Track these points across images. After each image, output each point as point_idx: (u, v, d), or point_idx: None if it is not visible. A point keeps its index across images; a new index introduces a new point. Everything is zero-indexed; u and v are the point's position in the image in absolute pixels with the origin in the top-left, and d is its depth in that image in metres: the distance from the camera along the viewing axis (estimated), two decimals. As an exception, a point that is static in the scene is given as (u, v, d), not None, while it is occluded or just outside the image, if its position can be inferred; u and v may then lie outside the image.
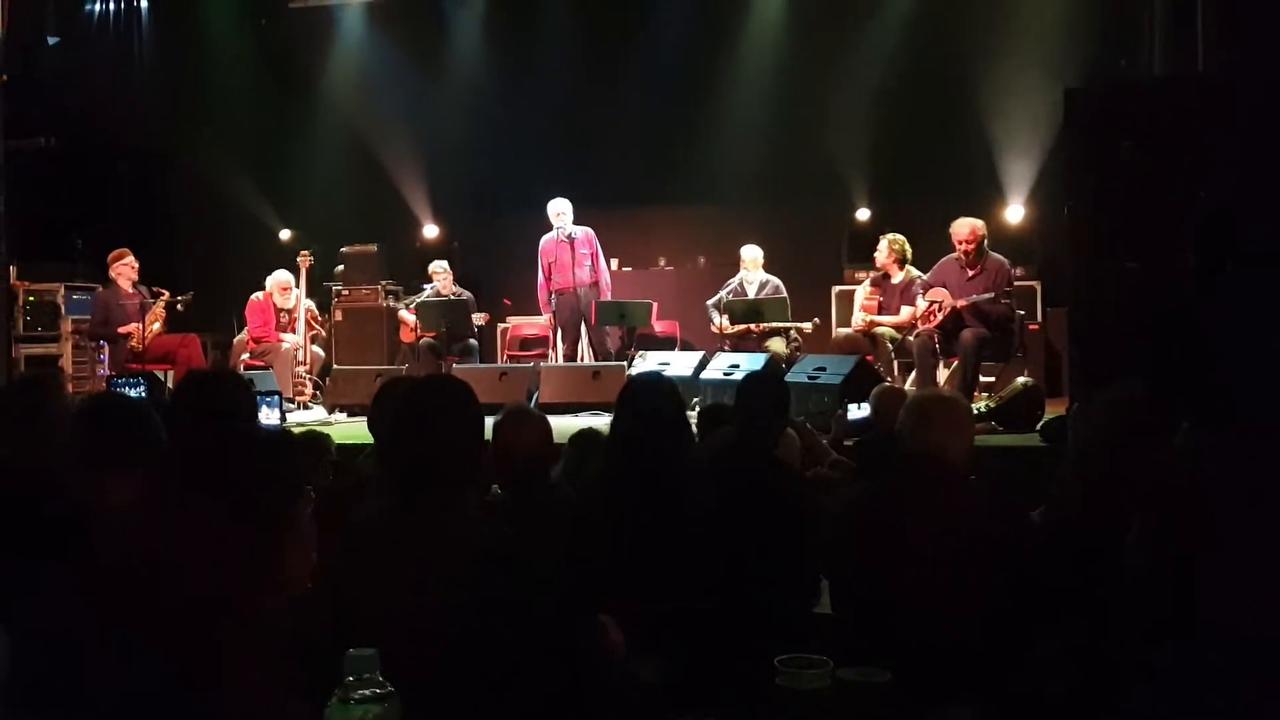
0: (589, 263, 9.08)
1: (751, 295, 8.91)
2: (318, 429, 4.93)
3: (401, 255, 10.98)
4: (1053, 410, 6.47)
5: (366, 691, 1.49)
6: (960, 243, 7.34)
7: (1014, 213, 9.69)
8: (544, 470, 3.29)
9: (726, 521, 2.80)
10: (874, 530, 2.66)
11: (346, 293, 10.23)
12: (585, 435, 3.87)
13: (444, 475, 2.09)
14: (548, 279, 9.09)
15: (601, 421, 5.43)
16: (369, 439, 3.53)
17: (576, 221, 9.16)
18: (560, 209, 9.02)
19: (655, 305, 9.45)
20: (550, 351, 9.66)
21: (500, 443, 3.24)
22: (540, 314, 9.97)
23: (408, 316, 9.55)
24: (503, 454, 3.22)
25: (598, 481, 2.96)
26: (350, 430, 7.09)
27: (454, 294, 9.55)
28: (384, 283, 10.30)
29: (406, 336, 9.66)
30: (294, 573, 1.64)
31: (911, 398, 3.01)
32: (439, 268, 9.62)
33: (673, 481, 2.73)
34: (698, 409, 6.80)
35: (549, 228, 9.16)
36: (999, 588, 2.40)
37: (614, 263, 9.87)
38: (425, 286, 9.64)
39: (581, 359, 9.15)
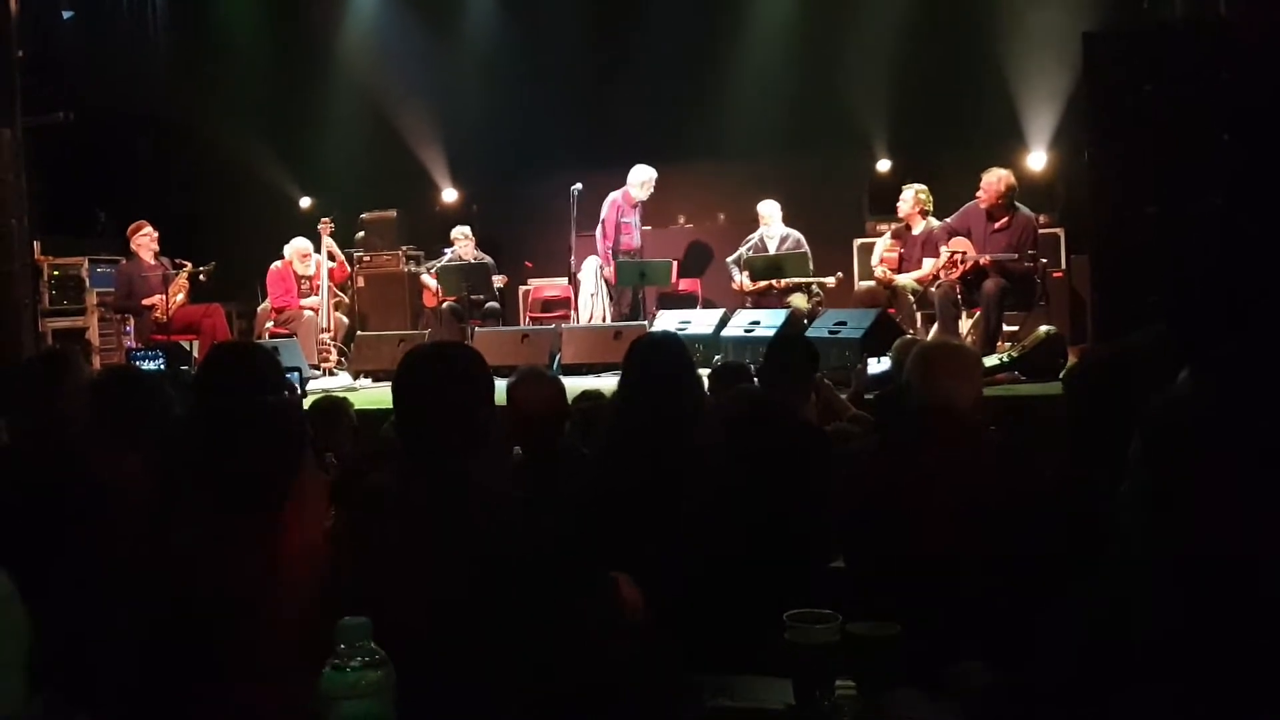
0: (640, 229, 9.37)
1: (772, 251, 8.88)
2: (337, 394, 4.96)
3: (421, 220, 10.98)
4: (1075, 357, 6.43)
5: (360, 659, 1.50)
6: (990, 194, 7.25)
7: (1036, 159, 9.56)
8: (557, 429, 3.33)
9: (740, 480, 2.80)
10: (884, 483, 2.66)
11: (368, 259, 10.27)
12: (589, 396, 3.89)
13: (452, 439, 2.11)
14: (614, 236, 9.16)
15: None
16: (392, 405, 3.57)
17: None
18: (653, 179, 9.17)
19: (675, 264, 9.43)
20: (572, 312, 9.68)
21: (514, 404, 3.27)
22: (562, 277, 9.99)
23: (429, 281, 9.58)
24: (518, 415, 3.25)
25: (603, 443, 2.97)
26: (374, 396, 7.15)
27: (475, 258, 9.57)
28: (404, 248, 10.33)
29: (429, 301, 9.70)
30: (302, 546, 1.66)
31: (916, 348, 2.98)
32: (460, 233, 9.64)
33: (679, 442, 2.73)
34: (716, 366, 6.83)
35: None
36: (1013, 540, 2.40)
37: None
38: (446, 251, 9.66)
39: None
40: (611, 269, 9.24)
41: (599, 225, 9.25)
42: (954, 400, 2.68)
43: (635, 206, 9.30)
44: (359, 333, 9.30)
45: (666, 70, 10.54)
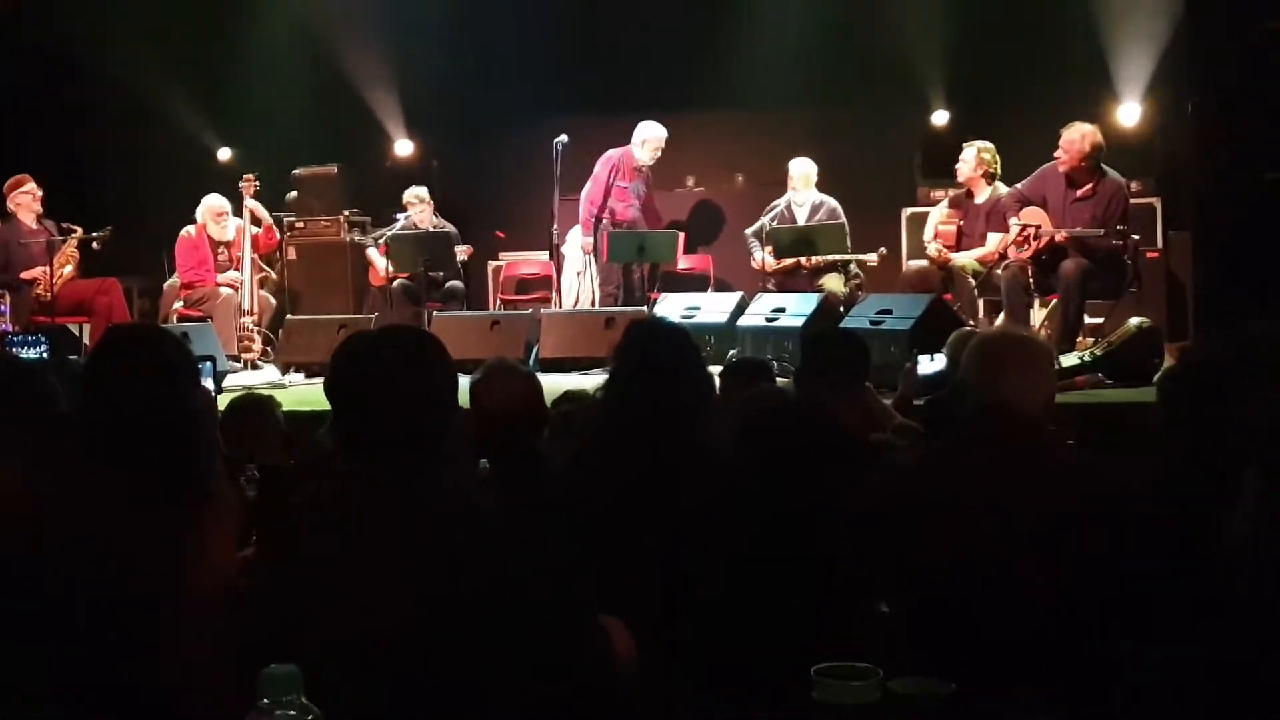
0: (642, 204, 9.40)
1: (801, 221, 8.87)
2: (261, 391, 4.96)
3: (368, 178, 10.97)
4: (1175, 358, 6.44)
5: (287, 714, 1.50)
6: (1071, 155, 7.25)
7: (1127, 112, 9.56)
8: (532, 436, 3.33)
9: (757, 494, 2.79)
10: (931, 504, 2.66)
11: (301, 225, 10.26)
12: (572, 397, 3.89)
13: (403, 444, 2.11)
14: (601, 200, 9.20)
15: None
16: (327, 400, 3.57)
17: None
18: (664, 138, 9.21)
19: (682, 236, 9.42)
20: (554, 295, 9.68)
21: (479, 406, 3.27)
22: (541, 250, 9.98)
23: (377, 254, 9.57)
24: (483, 419, 3.25)
25: (582, 449, 2.97)
26: (307, 394, 7.13)
27: (433, 226, 9.57)
28: (347, 212, 10.31)
29: (376, 279, 9.69)
30: (216, 558, 1.66)
31: (975, 340, 2.99)
32: (415, 195, 9.63)
33: (678, 455, 2.72)
34: (731, 361, 6.82)
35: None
36: (1090, 573, 2.40)
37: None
38: (398, 217, 9.65)
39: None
40: (592, 240, 9.25)
41: (589, 185, 9.26)
42: (1019, 403, 2.68)
43: (638, 172, 9.30)
44: (289, 316, 9.28)
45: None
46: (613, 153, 9.30)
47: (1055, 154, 7.34)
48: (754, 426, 3.10)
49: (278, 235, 9.66)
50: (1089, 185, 7.27)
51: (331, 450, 3.09)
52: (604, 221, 9.26)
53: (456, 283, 9.44)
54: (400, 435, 2.12)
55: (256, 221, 9.30)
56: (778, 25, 10.25)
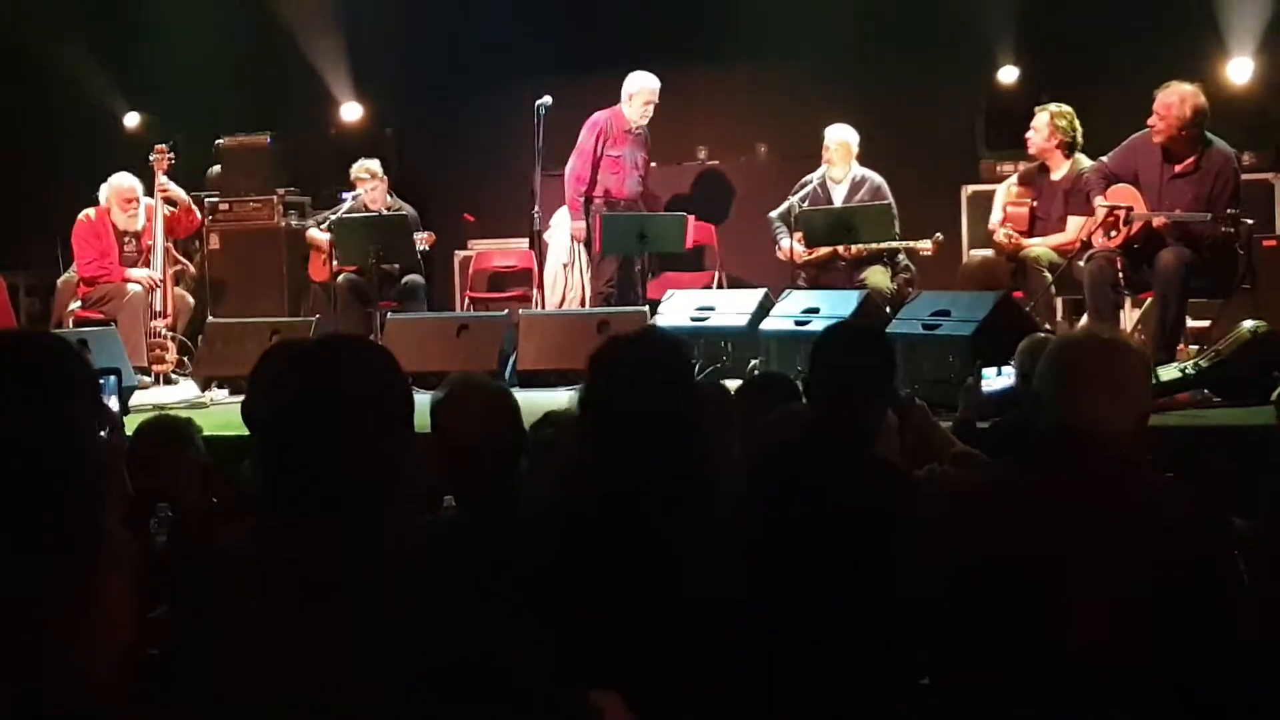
0: (644, 173, 9.48)
1: (839, 202, 8.89)
2: (176, 413, 4.96)
3: (309, 150, 11.03)
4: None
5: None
6: (1169, 121, 7.23)
7: (1238, 69, 9.57)
8: (507, 468, 3.33)
9: (778, 558, 2.80)
10: (995, 547, 2.66)
11: (226, 207, 10.28)
12: (555, 419, 3.89)
13: (340, 493, 2.10)
14: (590, 175, 9.25)
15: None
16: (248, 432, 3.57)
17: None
18: (655, 92, 9.25)
19: (691, 220, 9.43)
20: (535, 292, 9.69)
21: (442, 431, 3.27)
22: (520, 237, 9.98)
23: (320, 239, 9.57)
24: (447, 448, 3.25)
25: (554, 496, 2.98)
26: (232, 416, 7.11)
27: (388, 208, 9.58)
28: (282, 191, 10.33)
29: (318, 272, 9.70)
30: (109, 619, 1.67)
31: (1053, 344, 2.99)
32: (365, 170, 9.63)
33: (673, 511, 2.73)
34: (752, 375, 6.82)
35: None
36: (1188, 632, 2.41)
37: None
38: (345, 197, 9.66)
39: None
40: (583, 225, 9.26)
41: (572, 160, 9.28)
42: (1104, 423, 2.68)
43: (634, 136, 9.33)
44: (210, 319, 9.30)
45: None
46: (598, 116, 9.33)
47: (1149, 121, 7.33)
48: (768, 465, 3.11)
49: (198, 217, 9.66)
50: (1190, 159, 7.27)
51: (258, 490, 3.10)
52: (596, 202, 9.27)
53: (416, 277, 9.44)
54: (336, 484, 2.11)
55: (171, 203, 9.30)
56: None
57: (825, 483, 3.20)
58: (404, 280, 9.39)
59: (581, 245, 9.43)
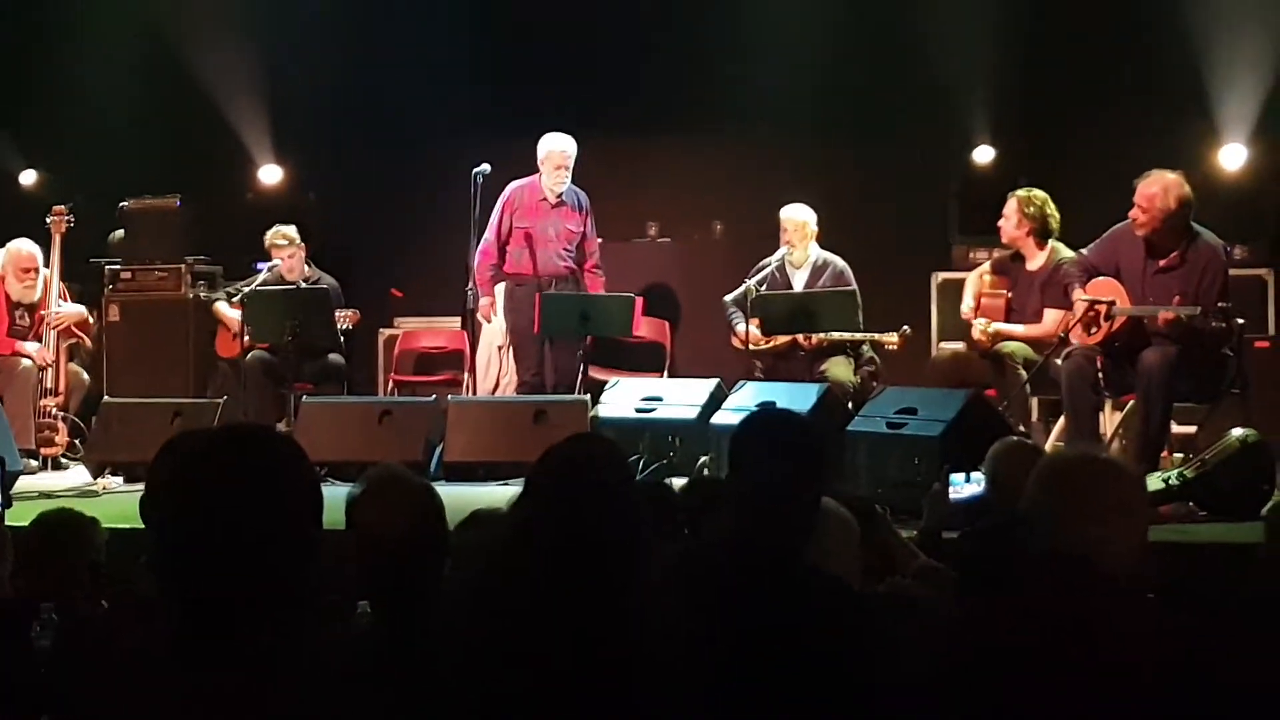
0: (574, 244, 9.32)
1: (799, 287, 8.96)
2: (69, 506, 4.91)
3: (223, 215, 11.01)
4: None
5: None
6: (1151, 211, 7.28)
7: (1230, 156, 9.74)
8: (428, 573, 3.32)
9: (707, 689, 2.78)
10: (981, 684, 2.66)
11: (129, 276, 10.22)
12: (483, 519, 3.88)
13: (242, 595, 2.08)
14: (498, 251, 9.21)
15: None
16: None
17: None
18: (567, 154, 9.18)
19: (640, 301, 9.45)
20: (467, 375, 9.66)
21: (358, 530, 3.25)
22: (452, 316, 9.97)
23: (229, 314, 9.53)
24: (364, 547, 3.23)
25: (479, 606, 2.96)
26: (129, 507, 7.02)
27: (307, 279, 9.56)
28: (191, 259, 10.29)
29: (226, 348, 9.66)
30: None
31: (1043, 462, 3.02)
32: (282, 237, 9.62)
33: (600, 628, 2.73)
34: (700, 473, 6.81)
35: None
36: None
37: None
38: (259, 266, 9.65)
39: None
40: (489, 304, 9.26)
41: (485, 231, 9.26)
42: (1103, 551, 2.72)
43: (551, 205, 9.26)
44: (106, 398, 9.22)
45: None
46: (513, 185, 9.30)
47: (1130, 213, 7.37)
48: (699, 594, 3.10)
49: (92, 322, 9.58)
50: (1175, 252, 7.32)
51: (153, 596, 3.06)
52: (509, 281, 9.26)
53: (335, 357, 9.41)
54: (236, 593, 2.08)
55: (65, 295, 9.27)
56: (777, 31, 10.39)
57: (751, 597, 3.17)
58: (323, 361, 9.35)
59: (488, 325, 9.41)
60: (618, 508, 2.89)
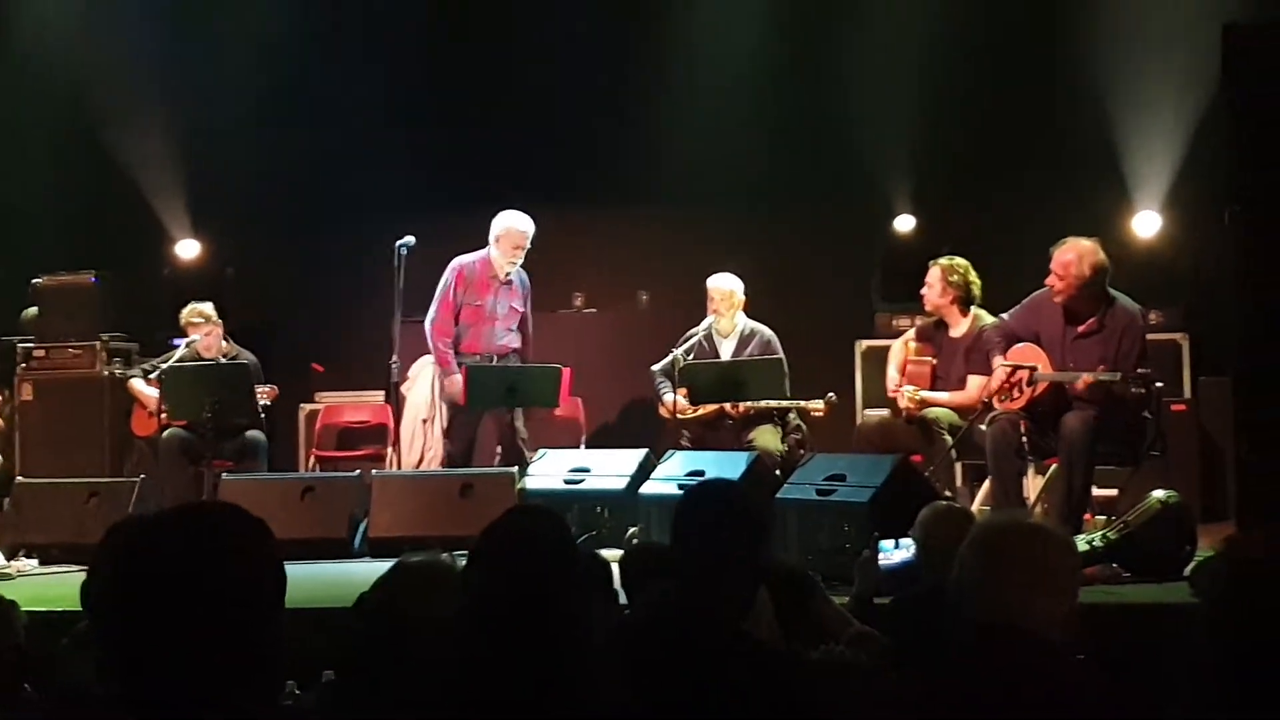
0: (517, 324, 9.40)
1: (727, 356, 9.02)
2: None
3: (140, 291, 10.93)
4: (1211, 543, 6.56)
5: None
6: (1067, 279, 7.41)
7: (1145, 223, 9.91)
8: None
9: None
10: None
11: (42, 354, 10.15)
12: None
13: (202, 681, 1.98)
14: (448, 328, 9.23)
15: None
16: (75, 605, 3.51)
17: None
18: (527, 235, 9.21)
19: (567, 372, 9.47)
20: (390, 450, 9.63)
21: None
22: (375, 390, 9.95)
23: (146, 391, 9.47)
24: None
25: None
26: (45, 590, 6.98)
27: (225, 355, 9.53)
28: (106, 337, 10.24)
29: (142, 426, 9.59)
30: None
31: (975, 529, 3.08)
32: (199, 314, 9.56)
33: (547, 695, 2.76)
34: (631, 548, 6.84)
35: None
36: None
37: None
38: (177, 342, 9.59)
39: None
40: (446, 378, 9.25)
41: (432, 308, 9.28)
42: (1033, 617, 2.78)
43: (502, 283, 9.33)
44: (19, 479, 9.13)
45: (564, 53, 10.73)
46: (464, 259, 9.31)
47: (1047, 280, 7.49)
48: (639, 666, 3.13)
49: (4, 402, 9.50)
50: (1093, 318, 7.46)
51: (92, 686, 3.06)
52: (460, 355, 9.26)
53: (255, 433, 9.35)
54: (198, 678, 1.98)
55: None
56: (700, 101, 10.49)
57: (697, 665, 3.20)
58: (242, 437, 9.30)
59: (446, 400, 9.35)
60: (563, 579, 2.93)
